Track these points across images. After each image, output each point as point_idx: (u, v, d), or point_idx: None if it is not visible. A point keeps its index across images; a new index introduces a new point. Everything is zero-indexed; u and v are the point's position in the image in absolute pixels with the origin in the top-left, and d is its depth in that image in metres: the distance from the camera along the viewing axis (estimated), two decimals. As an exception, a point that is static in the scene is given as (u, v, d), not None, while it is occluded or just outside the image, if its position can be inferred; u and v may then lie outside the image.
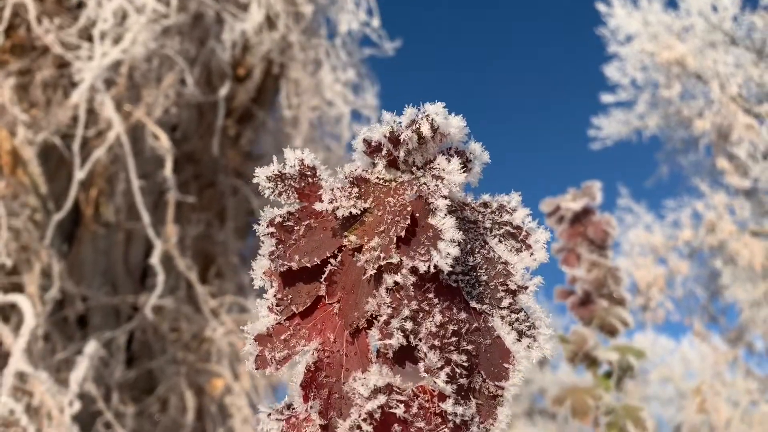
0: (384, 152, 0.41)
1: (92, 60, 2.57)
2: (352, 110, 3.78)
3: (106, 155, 2.74)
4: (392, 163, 0.41)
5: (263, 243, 0.41)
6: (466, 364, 0.37)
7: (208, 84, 3.33)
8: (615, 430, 1.34)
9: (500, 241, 0.41)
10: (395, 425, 0.35)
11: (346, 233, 0.40)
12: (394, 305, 0.37)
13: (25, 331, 1.67)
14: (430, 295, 0.38)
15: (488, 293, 0.40)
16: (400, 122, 0.40)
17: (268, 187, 0.42)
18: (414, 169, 0.41)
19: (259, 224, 0.41)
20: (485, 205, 0.42)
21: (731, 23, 6.34)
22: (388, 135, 0.40)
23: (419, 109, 0.40)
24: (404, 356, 0.37)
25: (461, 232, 0.38)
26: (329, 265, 0.40)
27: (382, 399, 0.35)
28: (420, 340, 0.37)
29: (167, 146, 2.73)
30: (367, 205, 0.40)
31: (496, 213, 0.42)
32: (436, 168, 0.40)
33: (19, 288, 2.44)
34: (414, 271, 0.37)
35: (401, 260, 0.37)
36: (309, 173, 0.42)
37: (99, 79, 2.57)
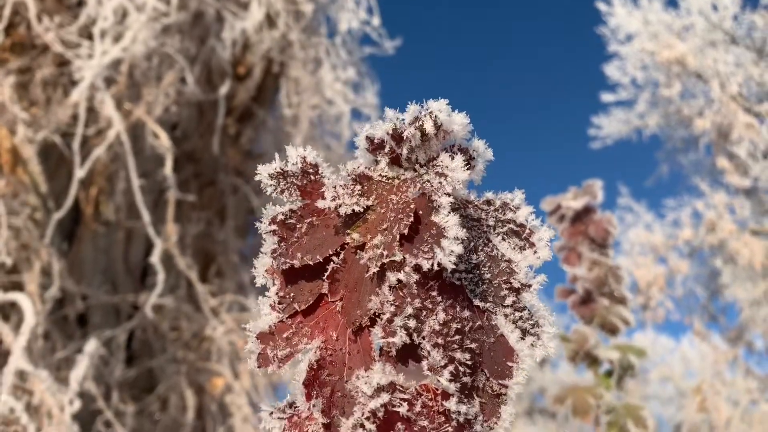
0: (387, 149, 0.40)
1: (92, 58, 2.56)
2: (352, 109, 3.78)
3: (106, 154, 2.73)
4: (395, 161, 0.41)
5: (265, 241, 0.41)
6: (469, 363, 0.37)
7: (209, 82, 3.32)
8: (616, 428, 1.34)
9: (504, 239, 0.41)
10: (398, 424, 0.35)
11: (348, 231, 0.40)
12: (397, 303, 0.37)
13: (26, 330, 1.67)
14: (434, 293, 0.37)
15: (492, 291, 0.39)
16: (403, 119, 0.40)
17: (270, 185, 0.41)
18: (417, 166, 0.40)
19: (260, 222, 0.41)
20: (488, 202, 0.42)
21: (731, 22, 6.33)
22: (391, 132, 0.40)
23: (422, 106, 0.39)
24: (407, 354, 0.37)
25: (464, 230, 0.37)
26: (332, 262, 0.40)
27: (385, 397, 0.35)
28: (423, 338, 0.36)
29: (167, 145, 2.73)
30: (369, 203, 0.40)
31: (500, 211, 0.42)
32: (439, 165, 0.39)
33: (19, 286, 2.44)
34: (417, 268, 0.37)
35: (404, 258, 0.37)
36: (311, 171, 0.42)
37: (99, 78, 2.57)
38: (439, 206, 0.38)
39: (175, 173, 2.81)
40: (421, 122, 0.39)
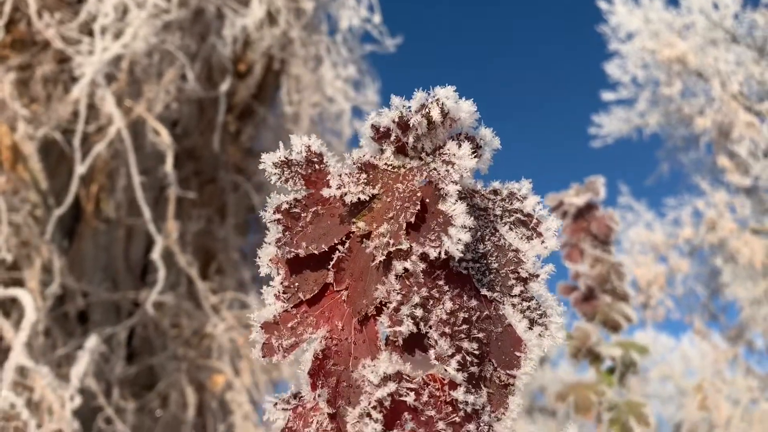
0: (393, 138, 0.40)
1: (93, 55, 2.56)
2: (352, 107, 3.77)
3: (107, 151, 2.73)
4: (401, 150, 0.40)
5: (270, 230, 0.40)
6: (477, 353, 0.36)
7: (209, 80, 3.32)
8: (618, 425, 1.33)
9: (511, 229, 0.41)
10: (405, 413, 0.35)
11: (354, 220, 0.39)
12: (403, 292, 0.36)
13: (26, 325, 1.66)
14: (441, 282, 0.37)
15: (499, 281, 0.39)
16: (409, 107, 0.40)
17: (275, 174, 0.41)
18: (423, 155, 0.40)
19: (261, 218, 0.40)
20: (495, 192, 0.42)
21: (732, 21, 6.33)
22: (397, 120, 0.39)
23: (429, 93, 0.39)
24: (414, 344, 0.36)
25: (472, 219, 0.37)
26: (337, 251, 0.39)
27: (392, 387, 0.35)
28: (430, 327, 0.36)
29: (168, 142, 2.73)
30: (375, 192, 0.39)
31: (507, 200, 0.42)
32: (446, 153, 0.39)
33: (19, 283, 2.43)
34: (424, 257, 0.37)
35: (411, 246, 0.37)
36: (316, 160, 0.42)
37: (100, 74, 2.56)
38: (446, 194, 0.37)
39: (175, 170, 2.80)
40: (427, 110, 0.38)
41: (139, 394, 2.94)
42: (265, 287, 0.41)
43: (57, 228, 2.59)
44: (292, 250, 0.39)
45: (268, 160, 0.41)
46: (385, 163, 0.40)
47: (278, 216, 0.40)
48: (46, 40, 2.67)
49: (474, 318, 0.37)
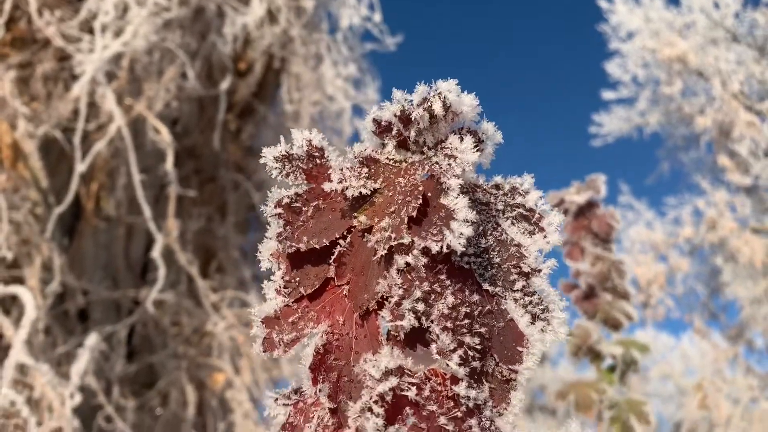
0: (394, 132, 0.40)
1: (93, 53, 2.56)
2: (353, 105, 3.77)
3: (107, 149, 2.73)
4: (402, 144, 0.40)
5: (271, 224, 0.40)
6: (478, 347, 0.36)
7: (209, 78, 3.31)
8: (618, 424, 1.33)
9: (513, 224, 0.40)
10: (407, 408, 0.35)
11: (355, 214, 0.39)
12: (405, 286, 0.36)
13: (26, 323, 1.66)
14: (442, 277, 0.37)
15: (501, 276, 0.39)
16: (410, 101, 0.39)
17: (276, 168, 0.41)
18: (425, 149, 0.40)
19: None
20: (497, 187, 0.42)
21: (733, 20, 6.32)
22: (398, 114, 0.39)
23: (431, 87, 0.39)
24: (416, 338, 0.36)
25: (474, 213, 0.37)
26: (338, 246, 0.39)
27: (393, 381, 0.35)
28: (432, 321, 0.36)
29: (168, 140, 2.72)
30: (377, 186, 0.39)
31: (509, 195, 0.41)
32: (448, 147, 0.39)
33: (20, 281, 2.43)
34: (426, 251, 0.36)
35: (413, 241, 0.36)
36: (317, 154, 0.41)
37: (100, 72, 2.56)
38: (448, 188, 0.37)
39: (175, 169, 2.80)
40: (429, 103, 0.38)
41: (140, 392, 2.94)
42: (266, 282, 0.41)
43: (57, 226, 2.59)
44: (293, 244, 0.39)
45: (269, 154, 0.41)
46: (387, 158, 0.40)
47: (279, 210, 0.40)
48: (46, 38, 2.66)
49: (476, 313, 0.37)
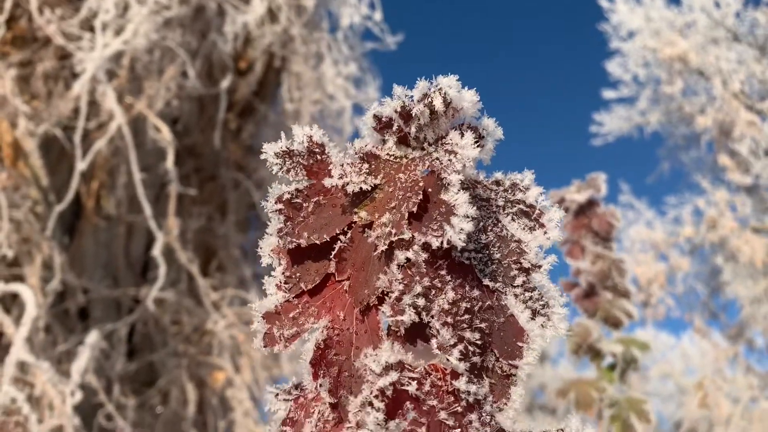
0: (395, 128, 0.40)
1: (94, 51, 2.56)
2: (353, 104, 3.77)
3: (108, 147, 2.73)
4: (403, 140, 0.40)
5: (271, 220, 0.40)
6: (479, 342, 0.36)
7: (210, 77, 3.31)
8: (618, 422, 1.33)
9: (513, 219, 0.40)
10: (407, 402, 0.35)
11: (356, 210, 0.39)
12: (405, 282, 0.36)
13: (27, 320, 1.66)
14: (443, 272, 0.37)
15: (501, 271, 0.39)
16: (411, 96, 0.39)
17: (276, 164, 0.41)
18: (425, 145, 0.40)
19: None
20: (498, 183, 0.42)
21: (734, 19, 6.32)
22: (399, 110, 0.39)
23: (431, 83, 0.39)
24: (416, 333, 0.36)
25: (474, 209, 0.37)
26: (339, 241, 0.39)
27: (394, 376, 0.35)
28: (432, 317, 0.36)
29: (169, 139, 2.73)
30: (377, 182, 0.39)
31: (509, 191, 0.41)
32: (448, 143, 0.39)
33: (20, 279, 2.44)
34: (426, 247, 0.36)
35: (413, 236, 0.36)
36: (318, 150, 0.42)
37: (101, 70, 2.56)
38: (448, 184, 0.37)
39: (176, 167, 2.80)
40: (430, 99, 0.38)
41: (140, 390, 2.94)
42: (266, 278, 0.41)
43: (57, 224, 2.59)
44: (294, 240, 0.39)
45: (269, 150, 0.41)
46: (388, 153, 0.40)
47: (280, 206, 0.40)
48: (47, 37, 2.67)
49: (476, 308, 0.37)
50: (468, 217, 0.36)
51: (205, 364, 2.99)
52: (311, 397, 0.38)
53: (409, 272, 0.36)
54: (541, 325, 0.38)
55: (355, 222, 0.39)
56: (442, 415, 0.35)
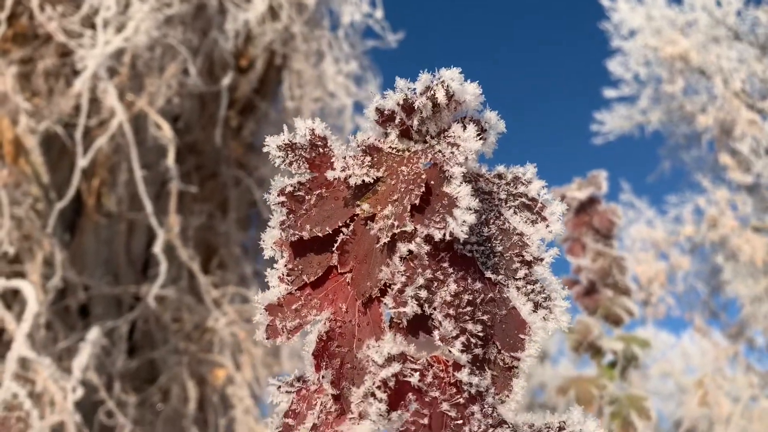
0: (397, 121, 0.40)
1: (95, 48, 2.56)
2: (354, 102, 3.77)
3: (109, 145, 2.73)
4: (405, 133, 0.40)
5: (274, 213, 0.40)
6: (481, 334, 0.36)
7: (211, 74, 3.31)
8: (619, 419, 1.34)
9: (515, 213, 0.41)
10: (409, 394, 0.35)
11: (358, 202, 0.39)
12: (408, 274, 0.36)
13: (28, 316, 1.67)
14: (445, 265, 0.37)
15: (503, 264, 0.39)
16: (413, 89, 0.39)
17: (279, 157, 0.41)
18: (428, 137, 0.40)
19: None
20: (500, 176, 0.42)
21: (735, 18, 6.31)
22: (401, 103, 0.39)
23: (434, 75, 0.39)
24: (418, 325, 0.36)
25: (477, 201, 0.37)
26: (341, 234, 0.39)
27: (396, 367, 0.35)
28: (434, 309, 0.36)
29: (170, 136, 2.73)
30: (380, 174, 0.39)
31: (511, 184, 0.41)
32: (451, 136, 0.39)
33: (21, 276, 2.44)
34: (428, 239, 0.36)
35: (415, 228, 0.36)
36: (320, 143, 0.42)
37: (102, 67, 2.56)
38: (451, 176, 0.37)
39: (177, 165, 2.80)
40: (432, 92, 0.38)
41: (141, 387, 2.94)
42: (269, 270, 0.41)
43: (58, 221, 2.59)
44: (296, 232, 0.39)
45: (272, 143, 0.41)
46: (390, 146, 0.40)
47: (282, 199, 0.40)
48: (48, 34, 2.66)
49: (478, 300, 0.37)
50: (470, 209, 0.36)
51: (205, 361, 2.99)
52: (314, 389, 0.38)
53: (411, 264, 0.36)
54: (543, 317, 0.38)
55: (358, 214, 0.39)
56: (445, 406, 0.35)
